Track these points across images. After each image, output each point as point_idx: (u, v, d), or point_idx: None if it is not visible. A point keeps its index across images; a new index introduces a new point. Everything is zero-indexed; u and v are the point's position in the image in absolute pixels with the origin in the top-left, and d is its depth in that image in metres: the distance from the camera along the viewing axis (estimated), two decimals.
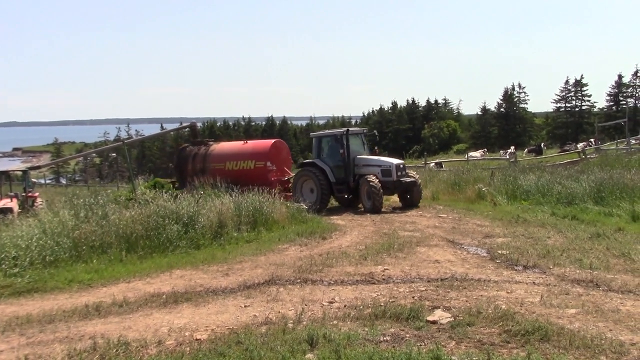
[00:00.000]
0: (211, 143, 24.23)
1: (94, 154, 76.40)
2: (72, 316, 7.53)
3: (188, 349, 5.99)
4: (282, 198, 16.55)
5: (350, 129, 20.07)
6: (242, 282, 8.99)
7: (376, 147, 21.28)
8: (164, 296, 8.27)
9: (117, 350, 6.01)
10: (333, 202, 20.30)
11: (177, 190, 22.68)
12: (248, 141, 23.96)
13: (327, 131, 21.44)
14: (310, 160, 20.07)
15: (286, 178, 20.91)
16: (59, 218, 11.87)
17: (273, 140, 22.65)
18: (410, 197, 18.77)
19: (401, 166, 18.87)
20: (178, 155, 24.69)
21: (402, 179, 18.38)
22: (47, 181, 61.05)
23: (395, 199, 19.61)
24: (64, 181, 72.36)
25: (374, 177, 17.90)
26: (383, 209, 18.05)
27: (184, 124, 30.16)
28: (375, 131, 22.79)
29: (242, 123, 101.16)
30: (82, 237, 11.20)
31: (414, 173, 19.58)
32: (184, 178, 23.71)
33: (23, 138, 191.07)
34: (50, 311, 7.79)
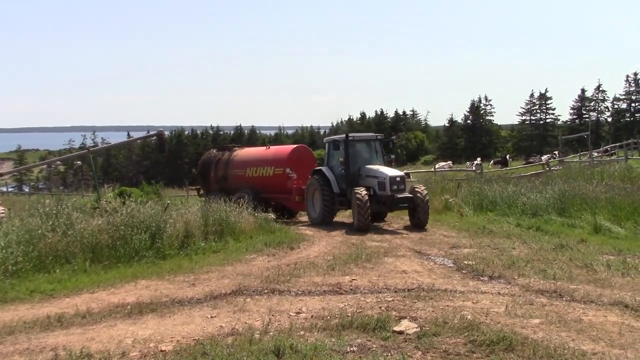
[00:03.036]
0: (235, 148, 23.47)
1: (59, 162, 75.09)
2: (34, 327, 7.34)
3: None
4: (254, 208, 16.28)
5: (355, 134, 18.58)
6: (209, 293, 8.90)
7: (392, 156, 19.22)
8: (129, 307, 8.13)
9: None
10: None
11: (201, 197, 22.13)
12: (271, 147, 23.01)
13: (336, 136, 19.05)
14: (319, 168, 18.44)
15: None
16: (26, 227, 11.61)
17: (294, 146, 21.65)
18: (414, 216, 16.42)
19: (398, 179, 16.27)
20: (202, 161, 23.85)
21: (397, 195, 16.06)
22: (10, 189, 59.71)
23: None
24: (27, 189, 70.92)
25: (362, 190, 15.94)
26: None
27: (151, 133, 29.78)
28: (393, 137, 20.47)
29: (210, 132, 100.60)
30: (47, 246, 10.96)
31: (421, 188, 16.75)
32: (208, 185, 23.06)
33: None
34: (10, 322, 7.58)
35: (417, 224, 16.16)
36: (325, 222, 17.38)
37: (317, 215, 17.70)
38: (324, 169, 17.97)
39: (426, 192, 16.66)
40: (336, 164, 17.75)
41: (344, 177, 17.29)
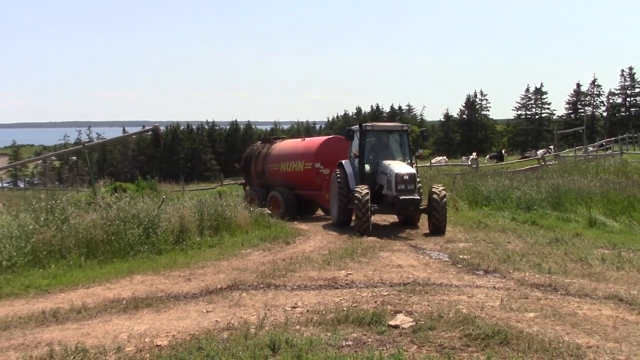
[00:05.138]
0: (277, 141, 22.10)
1: (54, 157, 74.86)
2: (29, 322, 7.32)
3: (148, 355, 5.89)
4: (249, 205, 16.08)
5: (373, 123, 16.51)
6: (204, 288, 8.90)
7: (421, 151, 17.20)
8: (124, 302, 8.12)
9: (74, 358, 5.85)
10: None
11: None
12: (305, 138, 21.58)
13: (354, 126, 16.63)
14: (341, 161, 16.35)
15: None
16: (19, 222, 11.56)
17: (325, 138, 19.90)
18: (430, 220, 14.45)
19: (405, 177, 14.19)
20: (245, 155, 22.92)
21: (401, 196, 14.08)
22: (4, 184, 59.55)
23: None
24: (22, 185, 70.72)
25: (363, 188, 14.14)
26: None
27: (147, 128, 29.56)
28: (424, 129, 18.13)
29: (206, 127, 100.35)
30: (41, 241, 10.92)
31: (439, 189, 14.61)
32: (250, 180, 22.29)
33: None
34: (5, 317, 7.56)
35: (433, 229, 14.23)
36: (341, 223, 15.66)
37: (336, 213, 15.99)
38: (344, 162, 16.10)
39: (444, 193, 14.56)
40: (354, 157, 16.00)
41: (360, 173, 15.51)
